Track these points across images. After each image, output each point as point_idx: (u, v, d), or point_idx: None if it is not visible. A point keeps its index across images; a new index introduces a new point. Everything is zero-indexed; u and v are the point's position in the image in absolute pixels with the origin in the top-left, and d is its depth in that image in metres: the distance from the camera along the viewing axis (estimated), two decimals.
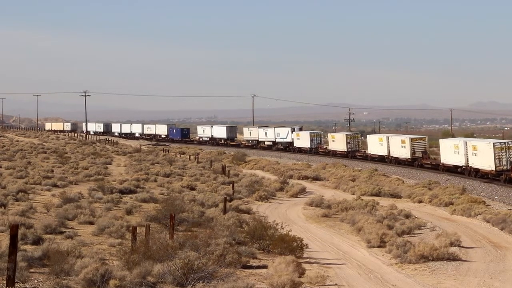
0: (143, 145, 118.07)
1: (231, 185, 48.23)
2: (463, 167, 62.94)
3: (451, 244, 27.50)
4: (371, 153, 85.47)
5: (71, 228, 27.08)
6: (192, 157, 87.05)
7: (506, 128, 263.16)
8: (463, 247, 28.09)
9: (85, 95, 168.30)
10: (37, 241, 22.51)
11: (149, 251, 19.46)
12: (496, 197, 49.61)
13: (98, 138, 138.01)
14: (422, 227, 34.23)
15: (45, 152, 79.32)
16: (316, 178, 66.60)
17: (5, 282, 15.88)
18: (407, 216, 37.49)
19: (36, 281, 17.23)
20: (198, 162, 76.32)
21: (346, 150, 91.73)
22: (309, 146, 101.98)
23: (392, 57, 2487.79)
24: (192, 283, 17.60)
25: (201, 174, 59.34)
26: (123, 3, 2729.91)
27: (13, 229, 16.07)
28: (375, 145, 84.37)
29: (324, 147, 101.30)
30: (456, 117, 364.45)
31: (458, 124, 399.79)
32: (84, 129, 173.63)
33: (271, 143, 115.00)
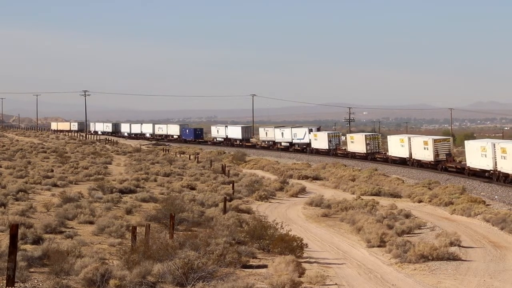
0: (143, 145, 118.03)
1: (231, 184, 48.19)
2: (491, 171, 56.45)
3: (451, 243, 27.50)
4: (392, 155, 79.24)
5: (71, 227, 27.10)
6: (192, 157, 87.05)
7: (506, 128, 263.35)
8: (463, 246, 28.09)
9: (85, 95, 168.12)
10: (37, 241, 22.53)
11: (149, 251, 19.47)
12: (496, 197, 49.56)
13: (98, 138, 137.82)
14: (422, 227, 34.22)
15: (45, 152, 79.32)
16: (316, 178, 66.57)
17: (5, 281, 15.89)
18: (407, 215, 37.47)
19: (36, 281, 17.24)
20: (198, 162, 76.32)
21: (365, 151, 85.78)
22: (327, 148, 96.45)
23: (392, 57, 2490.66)
24: (192, 282, 17.60)
25: (201, 174, 59.31)
26: (123, 3, 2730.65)
27: (13, 229, 16.08)
28: (396, 146, 78.04)
29: (343, 148, 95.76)
30: (456, 117, 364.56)
31: (458, 124, 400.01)
32: (91, 129, 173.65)
33: (288, 144, 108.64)
